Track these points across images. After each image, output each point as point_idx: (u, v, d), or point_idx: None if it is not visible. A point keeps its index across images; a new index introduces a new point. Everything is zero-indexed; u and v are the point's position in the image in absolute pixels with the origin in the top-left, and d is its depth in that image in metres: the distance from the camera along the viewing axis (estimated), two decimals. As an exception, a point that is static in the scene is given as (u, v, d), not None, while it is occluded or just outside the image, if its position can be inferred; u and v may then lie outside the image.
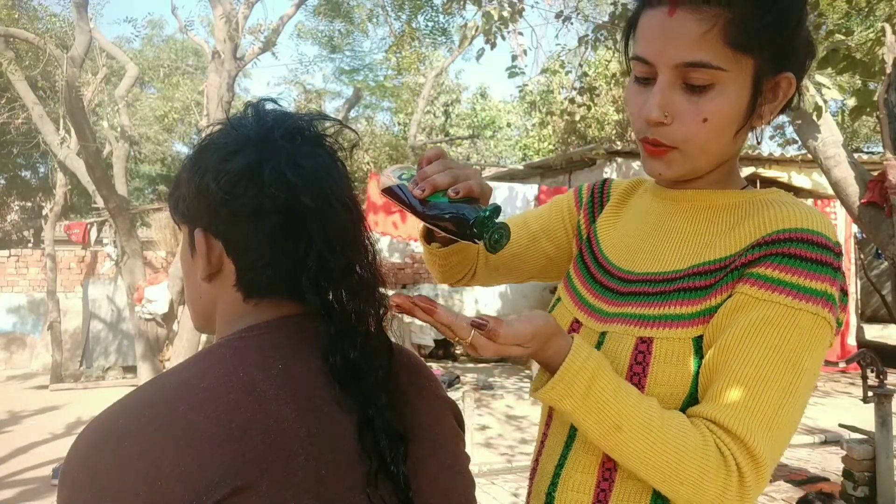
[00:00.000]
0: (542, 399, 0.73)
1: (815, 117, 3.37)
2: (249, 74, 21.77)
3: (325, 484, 0.58)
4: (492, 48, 5.46)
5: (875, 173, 3.35)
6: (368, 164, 12.91)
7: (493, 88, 45.67)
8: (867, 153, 9.69)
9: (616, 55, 6.14)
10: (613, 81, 10.29)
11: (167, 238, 10.17)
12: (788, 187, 7.64)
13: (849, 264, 7.84)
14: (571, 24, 5.94)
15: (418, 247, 10.62)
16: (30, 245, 15.55)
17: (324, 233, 0.65)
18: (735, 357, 0.70)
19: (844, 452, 3.87)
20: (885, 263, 8.53)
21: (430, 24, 11.42)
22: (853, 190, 3.34)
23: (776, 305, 0.70)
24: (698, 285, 0.77)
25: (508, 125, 19.42)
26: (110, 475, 0.53)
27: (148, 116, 13.60)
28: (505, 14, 5.22)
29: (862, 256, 8.59)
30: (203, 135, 0.71)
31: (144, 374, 6.33)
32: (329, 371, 0.63)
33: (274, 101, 0.72)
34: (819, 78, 3.44)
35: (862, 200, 3.30)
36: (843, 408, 6.14)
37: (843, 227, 7.72)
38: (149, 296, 6.38)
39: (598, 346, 0.81)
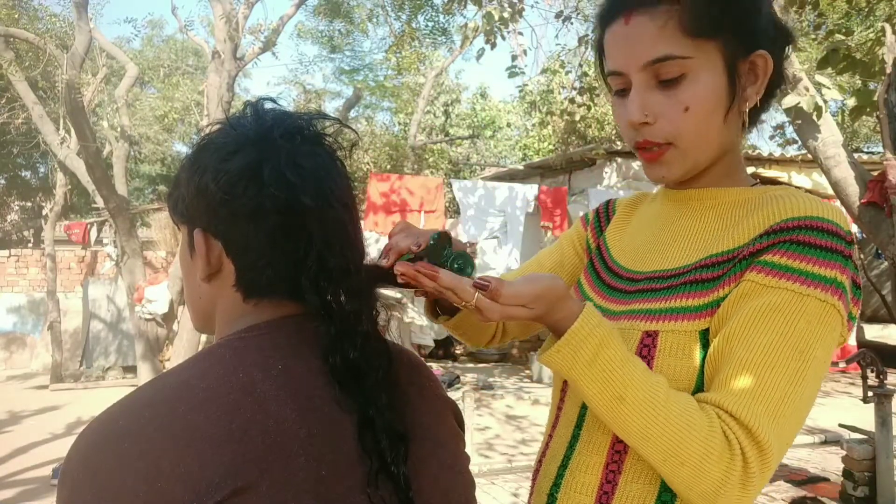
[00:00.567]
0: (548, 363, 0.71)
1: (815, 117, 3.36)
2: (249, 74, 21.77)
3: (325, 484, 0.58)
4: (492, 48, 5.46)
5: (875, 173, 3.35)
6: (368, 164, 12.90)
7: (493, 88, 45.66)
8: (867, 153, 9.69)
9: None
10: (613, 81, 10.25)
11: (167, 238, 10.17)
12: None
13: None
14: (571, 24, 5.94)
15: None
16: (30, 245, 15.55)
17: (324, 232, 0.65)
18: (741, 343, 0.69)
19: (844, 452, 3.87)
20: (885, 263, 8.53)
21: (430, 24, 11.42)
22: (853, 190, 3.34)
23: (783, 291, 0.69)
24: (706, 277, 0.76)
25: (508, 125, 19.41)
26: (110, 475, 0.53)
27: (148, 116, 13.60)
28: (505, 14, 5.22)
29: (862, 256, 8.59)
30: (202, 134, 0.71)
31: (144, 374, 6.32)
32: (329, 371, 0.63)
33: (273, 100, 0.72)
34: (819, 78, 3.44)
35: (862, 200, 3.30)
36: (843, 408, 6.14)
37: (843, 227, 7.72)
38: (149, 296, 6.38)
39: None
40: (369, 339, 0.66)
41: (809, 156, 3.69)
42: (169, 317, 6.53)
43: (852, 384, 7.20)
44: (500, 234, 8.04)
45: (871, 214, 3.29)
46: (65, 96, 5.99)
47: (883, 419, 3.58)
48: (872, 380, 3.63)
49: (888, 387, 3.65)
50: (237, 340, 0.65)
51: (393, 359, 0.69)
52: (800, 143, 4.07)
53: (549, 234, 8.06)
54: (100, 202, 7.31)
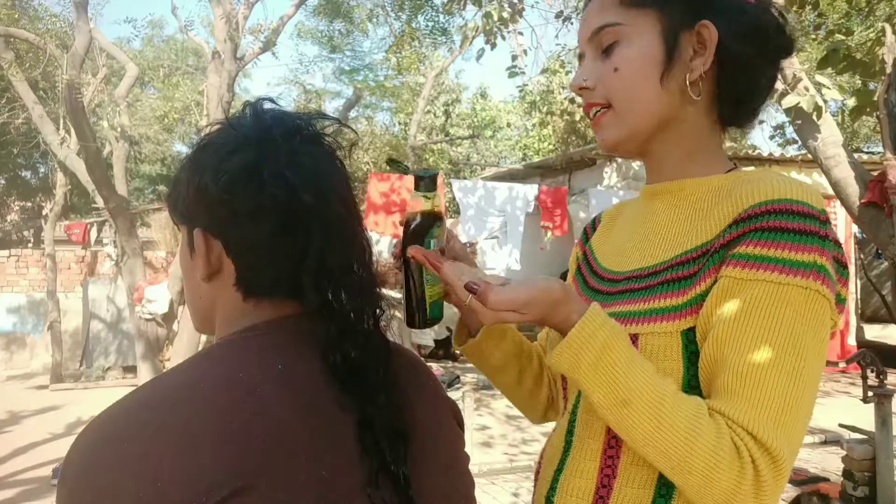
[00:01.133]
0: (552, 364, 0.70)
1: (815, 117, 3.36)
2: (250, 74, 21.75)
3: (325, 484, 0.58)
4: (492, 48, 5.46)
5: (875, 173, 3.35)
6: (368, 164, 12.90)
7: (493, 88, 45.67)
8: (867, 153, 9.69)
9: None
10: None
11: (167, 238, 10.17)
12: (788, 187, 7.64)
13: (849, 264, 7.83)
14: (571, 23, 5.93)
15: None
16: (30, 245, 15.54)
17: (324, 231, 0.65)
18: (731, 348, 0.66)
19: (844, 452, 3.87)
20: (885, 263, 8.53)
21: (430, 24, 11.42)
22: (853, 190, 3.33)
23: (763, 284, 0.67)
24: (682, 275, 0.74)
25: (508, 125, 19.41)
26: (109, 476, 0.53)
27: (148, 116, 13.60)
28: (505, 14, 5.22)
29: (862, 256, 8.59)
30: (201, 135, 0.71)
31: (144, 375, 6.32)
32: (330, 370, 0.63)
33: (272, 100, 0.72)
34: (819, 78, 3.44)
35: (862, 200, 3.30)
36: (843, 408, 6.14)
37: (843, 227, 7.72)
38: (149, 296, 6.38)
39: None
40: (370, 338, 0.66)
41: (809, 156, 3.69)
42: (169, 317, 6.53)
43: (852, 384, 7.20)
44: (499, 234, 8.05)
45: (871, 214, 3.29)
46: (65, 96, 5.99)
47: (883, 419, 3.57)
48: (872, 380, 3.63)
49: (888, 387, 3.65)
50: (237, 340, 0.65)
51: (393, 358, 0.69)
52: (800, 143, 4.07)
53: (549, 234, 8.06)
54: (100, 202, 7.29)
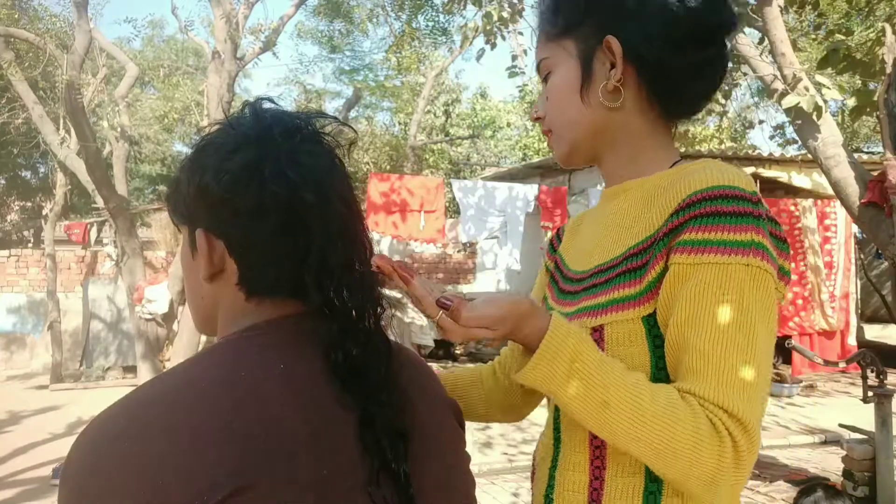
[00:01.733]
0: (525, 381, 0.72)
1: (815, 117, 3.37)
2: (250, 74, 21.75)
3: (326, 483, 0.58)
4: (492, 48, 5.46)
5: (875, 173, 3.35)
6: (368, 164, 12.91)
7: (493, 88, 45.62)
8: (867, 153, 9.70)
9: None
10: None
11: (167, 238, 10.17)
12: (788, 187, 7.63)
13: (849, 264, 7.83)
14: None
15: (419, 247, 10.62)
16: (30, 245, 15.53)
17: (325, 229, 0.65)
18: (690, 329, 0.71)
19: (844, 452, 3.87)
20: (885, 263, 8.53)
21: (430, 24, 11.42)
22: (853, 190, 3.34)
23: (708, 266, 0.71)
24: (636, 266, 0.79)
25: (508, 125, 19.41)
26: (110, 475, 0.53)
27: (148, 116, 13.60)
28: (505, 14, 5.23)
29: (862, 256, 8.59)
30: (201, 135, 0.71)
31: (144, 375, 6.32)
32: (331, 369, 0.63)
33: (271, 99, 0.72)
34: (819, 78, 3.44)
35: (862, 200, 3.30)
36: (843, 408, 6.14)
37: (843, 227, 7.71)
38: (149, 296, 6.38)
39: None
40: (371, 337, 0.66)
41: (809, 156, 3.69)
42: (169, 317, 6.53)
43: (852, 384, 7.20)
44: (500, 234, 8.05)
45: (871, 214, 3.29)
46: (65, 96, 5.99)
47: (883, 419, 3.57)
48: (872, 380, 3.63)
49: (888, 387, 3.65)
50: (238, 340, 0.65)
51: (393, 357, 0.69)
52: (800, 143, 4.07)
53: (549, 234, 8.05)
54: (100, 202, 7.30)
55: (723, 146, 12.53)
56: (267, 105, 0.72)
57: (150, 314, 6.43)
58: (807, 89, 3.38)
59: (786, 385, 6.89)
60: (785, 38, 3.55)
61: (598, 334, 0.79)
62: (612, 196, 0.90)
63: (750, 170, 7.11)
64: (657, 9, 0.81)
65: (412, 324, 8.54)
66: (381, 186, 7.69)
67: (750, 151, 8.35)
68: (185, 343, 5.85)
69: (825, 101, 3.39)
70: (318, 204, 0.65)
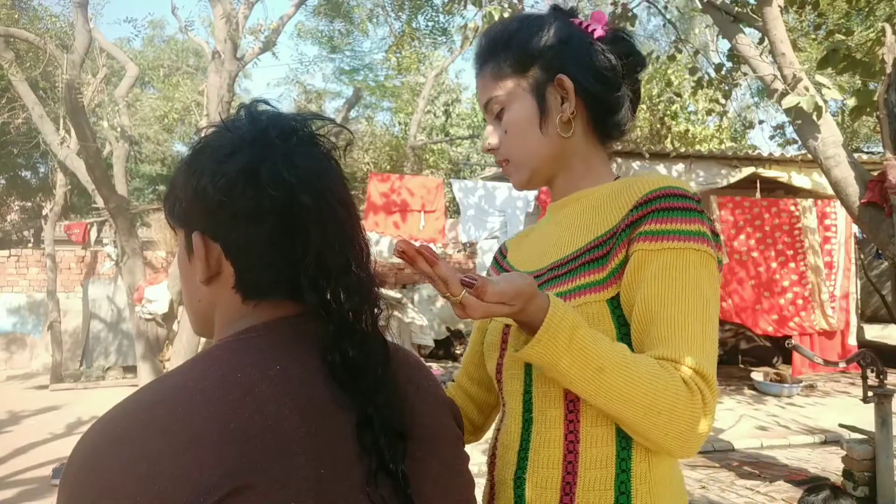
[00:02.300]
0: (528, 354, 0.78)
1: (815, 117, 3.37)
2: (250, 75, 21.77)
3: (324, 483, 0.58)
4: (492, 48, 5.45)
5: (875, 173, 3.35)
6: (368, 164, 12.91)
7: (493, 88, 45.44)
8: (867, 153, 9.69)
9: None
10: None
11: (167, 238, 10.17)
12: (788, 187, 7.63)
13: (849, 264, 7.82)
14: (571, 24, 5.93)
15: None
16: (30, 245, 15.55)
17: (322, 231, 0.65)
18: (656, 303, 0.82)
19: (844, 452, 3.87)
20: (885, 263, 8.53)
21: (430, 24, 11.43)
22: (853, 190, 3.34)
23: (668, 251, 0.84)
24: (598, 255, 0.90)
25: (508, 125, 19.36)
26: (110, 477, 0.53)
27: (148, 116, 13.60)
28: (505, 14, 5.22)
29: (862, 256, 8.58)
30: (197, 138, 0.71)
31: (144, 375, 6.33)
32: (328, 370, 0.63)
33: (266, 102, 0.72)
34: (819, 78, 3.44)
35: (862, 200, 3.30)
36: (843, 408, 6.14)
37: (843, 227, 7.70)
38: (149, 296, 6.38)
39: (526, 342, 0.85)
40: (368, 338, 0.66)
41: (809, 156, 3.69)
42: (169, 317, 6.53)
43: (852, 384, 7.20)
44: (500, 234, 8.04)
45: (871, 214, 3.29)
46: (65, 96, 5.99)
47: (883, 419, 3.58)
48: (872, 380, 3.63)
49: (888, 387, 3.65)
50: (235, 342, 0.65)
51: (391, 358, 0.69)
52: (800, 143, 4.08)
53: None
54: (100, 202, 7.30)
55: (723, 146, 12.52)
56: (263, 107, 0.72)
57: (150, 314, 6.43)
58: (807, 89, 3.38)
59: (786, 385, 6.89)
60: (785, 38, 3.55)
61: None
62: (562, 206, 1.02)
63: (750, 170, 7.10)
64: (591, 51, 0.95)
65: (412, 324, 8.54)
66: (381, 186, 7.69)
67: (750, 151, 8.35)
68: (185, 343, 5.85)
69: (825, 101, 3.39)
70: (315, 206, 0.65)
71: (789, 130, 8.44)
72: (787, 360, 7.95)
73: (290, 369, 0.62)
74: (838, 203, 3.62)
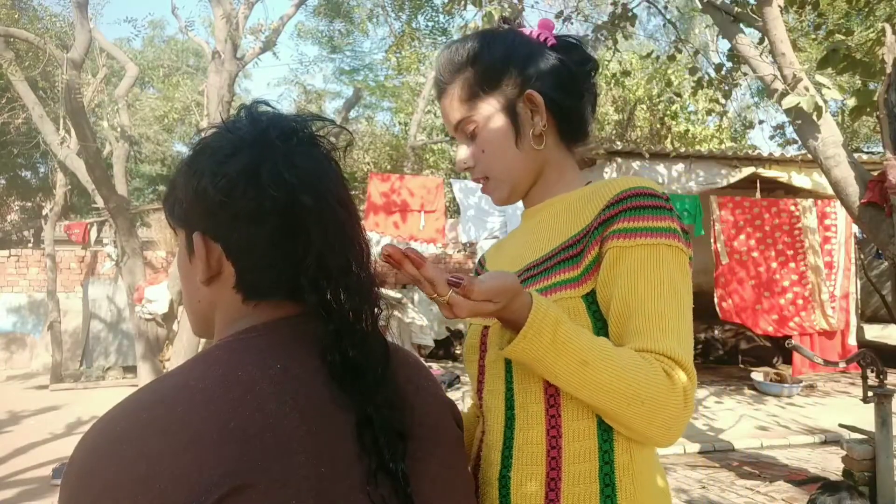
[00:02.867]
0: (513, 351, 0.80)
1: (815, 117, 3.37)
2: (250, 75, 21.78)
3: (324, 482, 0.58)
4: (492, 48, 5.44)
5: (875, 173, 3.35)
6: (368, 164, 12.91)
7: (493, 88, 45.42)
8: (867, 153, 9.69)
9: (616, 55, 6.14)
10: (613, 81, 10.29)
11: (167, 238, 10.18)
12: (788, 187, 7.63)
13: (849, 264, 7.82)
14: (571, 24, 5.94)
15: (419, 247, 10.62)
16: (30, 245, 15.55)
17: (322, 232, 0.65)
18: (633, 298, 0.85)
19: (844, 452, 3.87)
20: (885, 263, 8.53)
21: (430, 24, 11.42)
22: (853, 190, 3.34)
23: (642, 247, 0.86)
24: (572, 254, 0.93)
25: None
26: (110, 477, 0.53)
27: (148, 116, 13.60)
28: (505, 14, 5.22)
29: (862, 256, 8.58)
30: (197, 138, 0.71)
31: (144, 375, 6.33)
32: (328, 370, 0.63)
33: (267, 102, 0.72)
34: (819, 78, 3.44)
35: (862, 200, 3.30)
36: (843, 408, 6.14)
37: (843, 227, 7.70)
38: (149, 296, 6.38)
39: (510, 340, 0.87)
40: (368, 338, 0.66)
41: (809, 156, 3.69)
42: (169, 317, 6.53)
43: (852, 384, 7.20)
44: (500, 234, 8.04)
45: (871, 214, 3.29)
46: (65, 96, 5.99)
47: (883, 419, 3.57)
48: (872, 380, 3.63)
49: (888, 387, 3.65)
50: (235, 342, 0.65)
51: (391, 358, 0.69)
52: (800, 143, 4.07)
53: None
54: (100, 202, 7.30)
55: (723, 146, 12.52)
56: (263, 108, 0.72)
57: (150, 314, 6.43)
58: (807, 89, 3.38)
59: (786, 385, 6.89)
60: (785, 38, 3.55)
61: None
62: (535, 213, 1.05)
63: (750, 170, 7.10)
64: (551, 63, 0.98)
65: (412, 324, 8.54)
66: (381, 186, 7.69)
67: (750, 151, 8.34)
68: (185, 343, 5.85)
69: (825, 101, 3.39)
70: (316, 207, 0.65)
71: (789, 130, 8.44)
72: (787, 360, 7.95)
73: (291, 369, 0.63)
74: (838, 203, 3.62)
